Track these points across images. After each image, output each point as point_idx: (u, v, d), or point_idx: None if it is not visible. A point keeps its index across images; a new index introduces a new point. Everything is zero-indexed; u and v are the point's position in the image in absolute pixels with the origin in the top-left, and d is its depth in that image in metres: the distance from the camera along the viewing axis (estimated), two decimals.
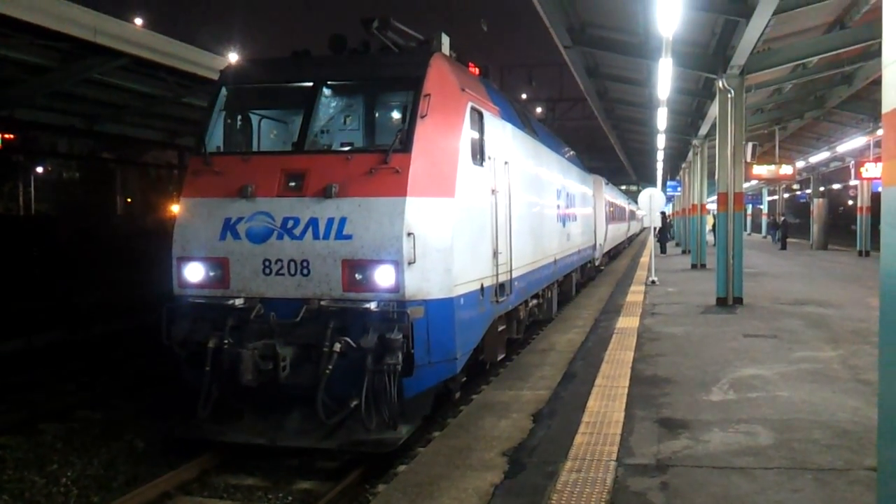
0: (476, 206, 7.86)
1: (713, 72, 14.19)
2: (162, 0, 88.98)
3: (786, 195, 50.30)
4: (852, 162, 30.64)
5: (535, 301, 11.63)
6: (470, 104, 7.76)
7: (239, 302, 6.84)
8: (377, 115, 8.35)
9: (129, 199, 29.32)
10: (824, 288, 17.30)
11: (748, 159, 17.61)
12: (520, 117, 10.95)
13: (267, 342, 6.50)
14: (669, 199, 41.95)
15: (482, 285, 7.90)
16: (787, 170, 24.22)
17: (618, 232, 33.23)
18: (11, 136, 20.77)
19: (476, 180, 7.85)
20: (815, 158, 32.92)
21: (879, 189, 3.55)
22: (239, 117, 7.93)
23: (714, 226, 18.55)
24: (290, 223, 6.81)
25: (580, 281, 18.77)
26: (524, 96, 41.80)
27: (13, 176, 23.46)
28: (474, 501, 4.75)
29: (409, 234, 6.59)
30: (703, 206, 26.33)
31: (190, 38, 15.05)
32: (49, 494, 6.53)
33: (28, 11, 10.22)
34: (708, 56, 14.67)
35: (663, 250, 32.96)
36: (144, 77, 14.46)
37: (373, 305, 6.53)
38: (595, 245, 21.34)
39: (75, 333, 13.63)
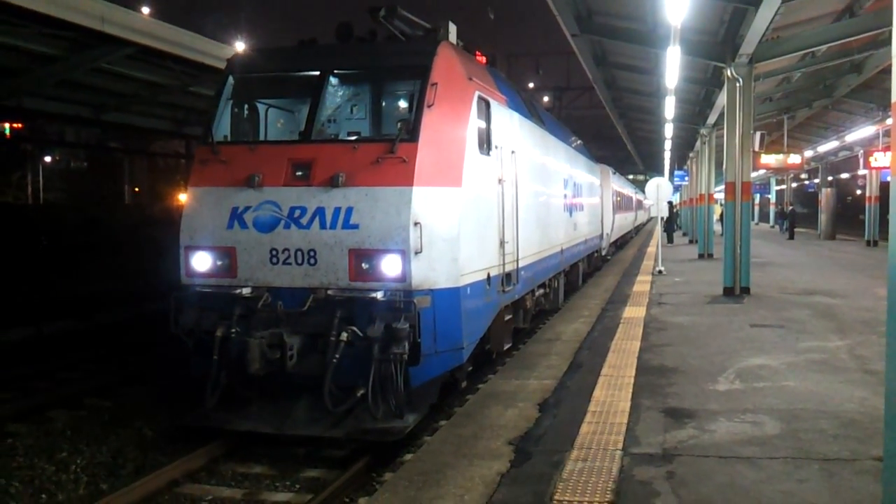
0: (483, 196, 7.85)
1: (721, 60, 14.10)
2: None
3: (794, 185, 50.10)
4: (861, 151, 30.45)
5: (541, 291, 11.63)
6: (477, 93, 7.73)
7: (246, 291, 6.86)
8: (384, 104, 8.34)
9: (136, 189, 29.34)
10: (832, 278, 17.24)
11: (756, 148, 17.48)
12: (527, 106, 10.91)
13: (274, 331, 6.52)
14: (677, 189, 41.80)
15: (489, 275, 7.90)
16: (795, 159, 24.12)
17: (625, 221, 33.16)
18: (19, 125, 20.81)
19: (483, 170, 7.84)
20: (823, 148, 32.76)
21: (888, 178, 3.53)
22: (246, 106, 7.93)
23: (721, 215, 18.48)
24: (297, 212, 6.82)
25: (587, 271, 18.75)
26: (531, 85, 41.70)
27: (21, 165, 23.49)
28: (480, 490, 4.76)
29: (415, 224, 6.59)
30: (710, 195, 26.25)
31: (197, 26, 15.06)
32: (59, 482, 6.58)
33: (35, 0, 10.22)
34: (716, 44, 14.59)
35: (670, 240, 32.90)
36: (152, 66, 14.46)
37: (379, 295, 6.54)
38: (602, 235, 21.31)
39: (84, 322, 13.71)
